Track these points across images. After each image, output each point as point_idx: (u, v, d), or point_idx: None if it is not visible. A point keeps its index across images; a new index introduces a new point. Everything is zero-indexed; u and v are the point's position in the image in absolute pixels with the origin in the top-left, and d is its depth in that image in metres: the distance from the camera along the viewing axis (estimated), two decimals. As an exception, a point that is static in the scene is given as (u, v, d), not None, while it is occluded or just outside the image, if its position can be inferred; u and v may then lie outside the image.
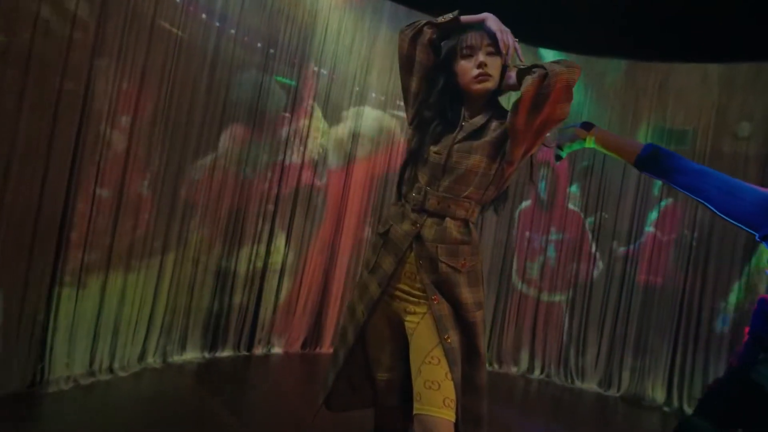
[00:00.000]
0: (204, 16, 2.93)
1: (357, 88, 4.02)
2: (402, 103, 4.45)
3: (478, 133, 1.42)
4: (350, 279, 4.08)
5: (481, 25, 1.43)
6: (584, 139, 2.11)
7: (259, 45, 3.34)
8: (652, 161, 2.36)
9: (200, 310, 3.22)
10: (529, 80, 1.26)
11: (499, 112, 1.46)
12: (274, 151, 3.56)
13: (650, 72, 4.53)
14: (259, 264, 3.56)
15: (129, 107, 2.55)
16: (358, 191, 4.10)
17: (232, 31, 3.13)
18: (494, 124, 1.42)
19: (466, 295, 1.40)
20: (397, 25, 4.12)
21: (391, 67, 4.18)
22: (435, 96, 1.45)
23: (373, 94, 4.15)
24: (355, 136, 4.05)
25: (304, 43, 3.61)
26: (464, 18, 1.43)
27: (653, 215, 4.53)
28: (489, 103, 1.46)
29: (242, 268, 3.44)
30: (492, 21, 1.41)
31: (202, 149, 3.07)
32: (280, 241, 3.67)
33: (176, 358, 3.06)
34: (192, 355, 3.17)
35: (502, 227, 4.65)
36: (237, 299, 3.44)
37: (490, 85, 1.41)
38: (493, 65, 1.40)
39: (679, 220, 4.42)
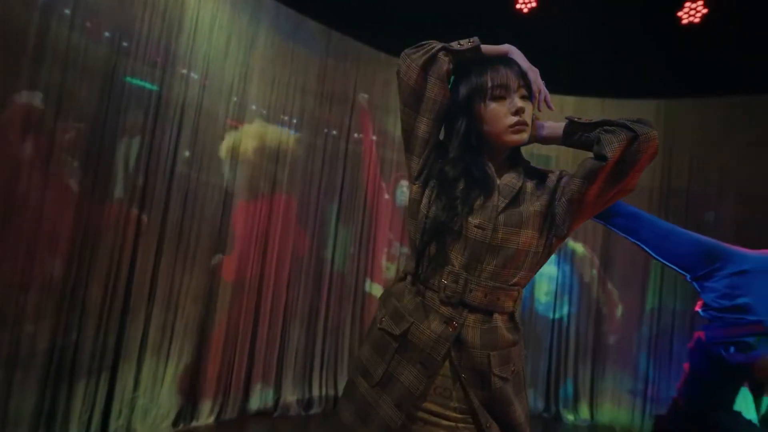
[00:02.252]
0: (22, -15, 2.05)
1: (235, 99, 3.34)
2: (288, 118, 3.92)
3: (517, 198, 1.13)
4: (231, 327, 3.34)
5: (506, 60, 1.14)
6: None
7: (107, 34, 2.50)
8: None
9: (22, 407, 2.23)
10: (615, 143, 1.02)
11: (528, 169, 1.20)
12: (130, 176, 2.70)
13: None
14: (113, 329, 2.65)
15: None
16: (240, 220, 3.39)
17: (67, 11, 2.27)
18: (530, 185, 1.16)
19: (519, 411, 1.10)
20: (278, 26, 3.55)
21: (274, 78, 3.59)
22: (457, 147, 1.12)
23: (254, 107, 3.50)
24: (234, 154, 3.35)
25: (168, 38, 2.84)
26: (485, 48, 1.14)
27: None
28: (512, 156, 1.19)
29: (89, 336, 2.51)
30: (518, 55, 1.15)
31: (25, 177, 2.13)
32: (140, 292, 2.80)
33: (-16, 488, 2.05)
34: (11, 476, 2.17)
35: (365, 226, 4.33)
36: (81, 382, 2.49)
37: (526, 136, 1.14)
38: (528, 112, 1.14)
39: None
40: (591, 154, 1.07)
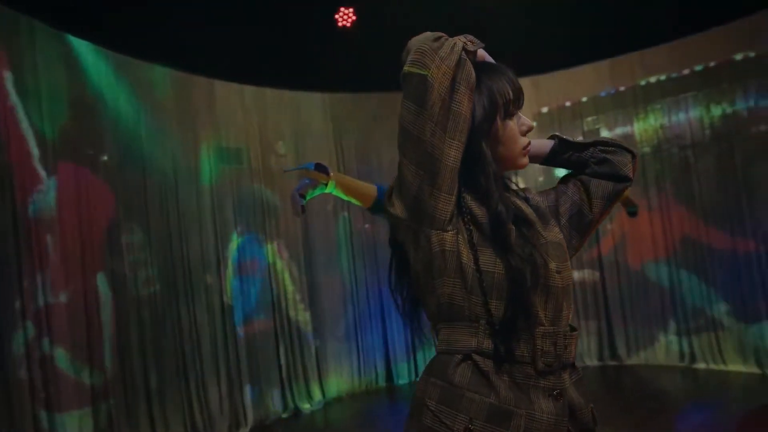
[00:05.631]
0: None
1: None
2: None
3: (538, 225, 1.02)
4: None
5: (502, 67, 0.98)
6: (326, 184, 2.00)
7: None
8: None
9: None
10: (628, 165, 1.02)
11: (514, 190, 1.06)
12: None
13: (196, 86, 4.20)
14: None
15: None
16: None
17: None
18: (527, 207, 1.03)
19: None
20: None
21: None
22: (492, 179, 0.92)
23: None
24: None
25: None
26: (481, 52, 0.98)
27: (233, 244, 4.37)
28: None
29: None
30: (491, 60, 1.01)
31: None
32: None
33: None
34: None
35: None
36: None
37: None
38: None
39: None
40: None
